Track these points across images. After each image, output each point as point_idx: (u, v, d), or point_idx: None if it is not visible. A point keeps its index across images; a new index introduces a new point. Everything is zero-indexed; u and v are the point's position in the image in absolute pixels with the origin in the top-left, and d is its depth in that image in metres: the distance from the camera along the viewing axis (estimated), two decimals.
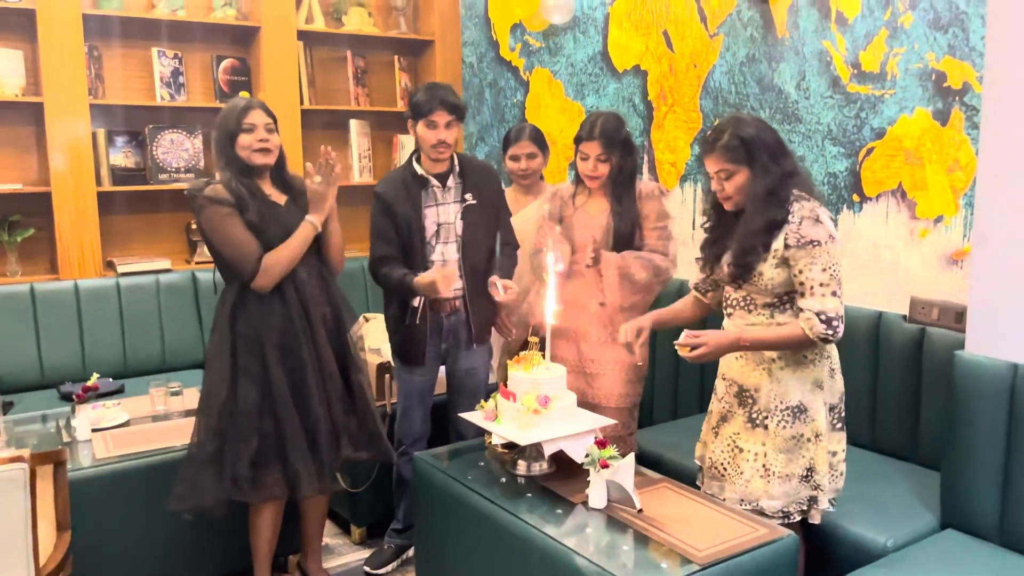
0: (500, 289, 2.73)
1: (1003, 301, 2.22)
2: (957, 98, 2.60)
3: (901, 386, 2.71)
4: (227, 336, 2.51)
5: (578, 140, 2.74)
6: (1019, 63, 2.16)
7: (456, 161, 2.86)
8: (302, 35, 4.35)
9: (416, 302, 2.81)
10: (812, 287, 2.11)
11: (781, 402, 2.20)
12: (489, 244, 2.89)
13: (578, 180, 2.83)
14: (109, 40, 4.03)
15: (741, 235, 2.18)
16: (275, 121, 2.56)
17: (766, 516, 2.19)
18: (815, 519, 2.25)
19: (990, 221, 2.24)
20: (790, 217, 2.13)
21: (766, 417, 2.21)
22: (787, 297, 2.19)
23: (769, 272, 2.15)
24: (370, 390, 2.73)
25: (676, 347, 2.21)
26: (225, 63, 4.25)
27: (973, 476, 2.25)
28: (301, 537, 2.84)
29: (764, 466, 2.21)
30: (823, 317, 2.09)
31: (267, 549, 2.65)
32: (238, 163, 2.51)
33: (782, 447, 2.20)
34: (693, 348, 2.18)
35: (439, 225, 2.83)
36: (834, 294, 2.11)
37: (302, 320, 2.52)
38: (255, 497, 2.51)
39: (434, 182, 2.82)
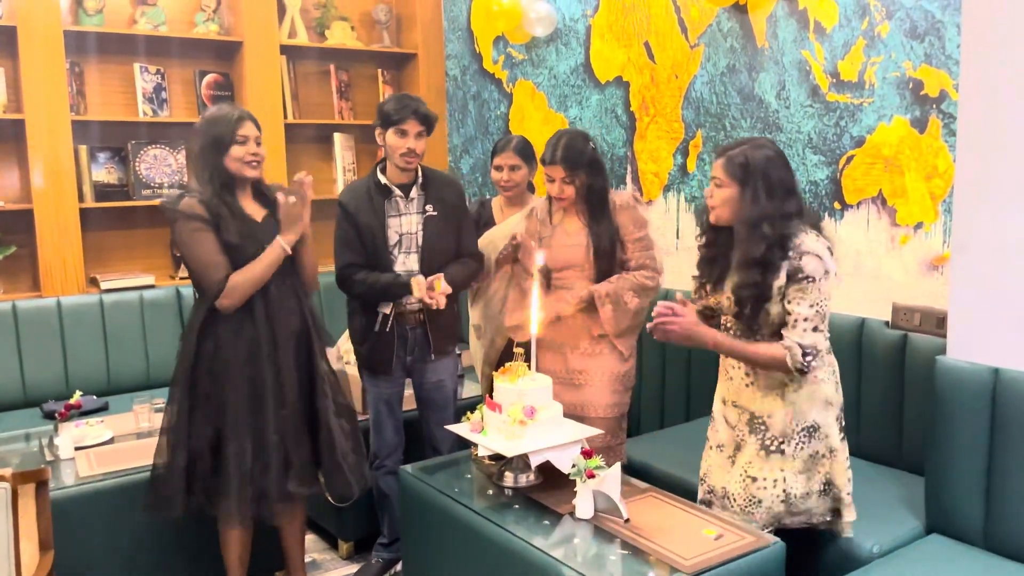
0: (432, 286, 2.74)
1: (983, 306, 2.24)
2: (934, 106, 2.63)
3: (884, 392, 2.73)
4: (191, 352, 2.47)
5: (543, 162, 2.74)
6: (994, 71, 2.19)
7: (420, 172, 2.88)
8: (285, 49, 4.35)
9: (388, 309, 2.82)
10: (796, 320, 2.11)
11: (797, 424, 2.20)
12: (449, 256, 2.89)
13: (551, 198, 2.85)
14: (91, 56, 4.02)
15: (740, 277, 2.17)
16: (260, 131, 2.54)
17: (786, 526, 2.23)
18: (847, 532, 2.26)
19: (969, 227, 2.26)
20: (791, 253, 2.11)
21: (782, 442, 2.20)
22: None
23: (776, 308, 2.15)
24: (340, 419, 2.61)
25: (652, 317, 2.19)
26: (208, 78, 4.25)
27: (957, 481, 2.27)
28: (283, 554, 2.82)
29: (784, 491, 2.20)
30: (806, 351, 2.10)
31: (238, 565, 2.62)
32: (223, 176, 2.45)
33: (801, 468, 2.20)
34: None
35: (401, 235, 2.85)
36: (815, 329, 2.11)
37: (269, 344, 2.47)
38: (176, 510, 2.46)
39: (397, 192, 2.84)
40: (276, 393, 2.47)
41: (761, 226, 2.11)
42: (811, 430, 2.20)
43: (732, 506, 2.24)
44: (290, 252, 2.47)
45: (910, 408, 2.67)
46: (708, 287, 2.32)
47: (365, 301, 2.87)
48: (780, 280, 2.12)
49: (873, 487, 2.57)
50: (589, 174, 2.71)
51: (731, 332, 2.26)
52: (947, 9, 2.57)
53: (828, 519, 2.26)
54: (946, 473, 2.29)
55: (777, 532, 2.19)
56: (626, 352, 2.80)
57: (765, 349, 2.14)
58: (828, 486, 2.23)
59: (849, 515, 2.24)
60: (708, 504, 2.32)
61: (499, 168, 3.18)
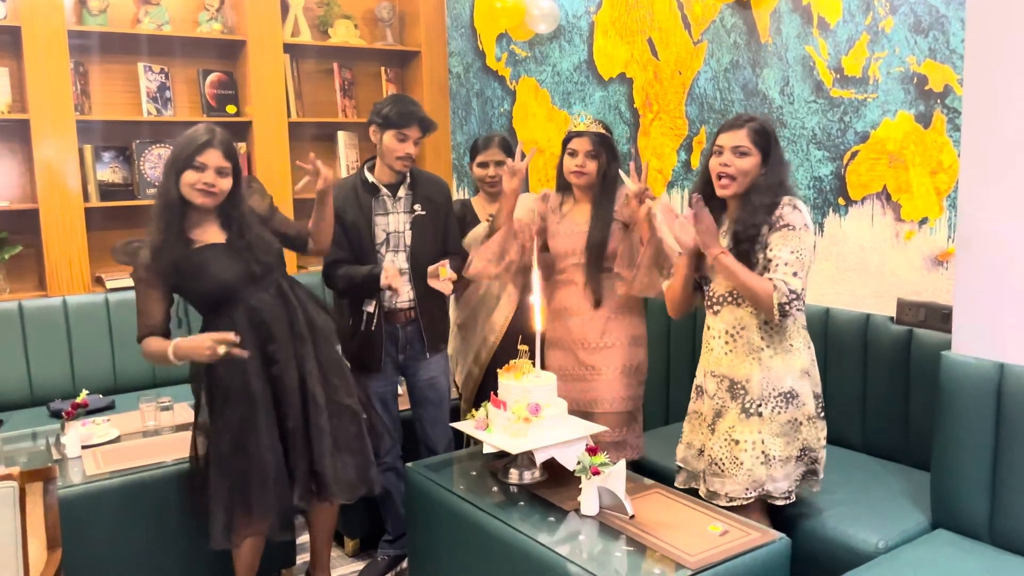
0: (439, 273, 2.74)
1: (988, 301, 2.24)
2: (939, 101, 2.63)
3: (890, 387, 2.73)
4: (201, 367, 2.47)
5: (567, 139, 2.74)
6: (998, 65, 2.18)
7: (408, 172, 2.89)
8: (288, 48, 4.35)
9: (371, 308, 2.83)
10: (778, 264, 2.22)
11: (774, 389, 2.28)
12: (436, 255, 2.90)
13: (563, 188, 2.84)
14: (95, 56, 4.03)
15: (745, 214, 2.28)
16: (234, 164, 2.40)
17: (772, 498, 2.29)
18: (816, 488, 2.40)
19: (973, 222, 2.26)
20: (782, 208, 2.27)
21: (760, 405, 2.28)
22: None
23: (761, 255, 2.28)
24: (337, 421, 2.54)
25: (692, 199, 2.25)
26: (212, 77, 4.25)
27: (962, 476, 2.26)
28: (311, 552, 2.83)
29: (764, 452, 2.28)
30: (792, 291, 2.19)
31: (246, 571, 2.61)
32: (170, 196, 2.36)
33: (779, 432, 2.28)
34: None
35: (388, 234, 2.87)
36: (795, 275, 2.21)
37: (258, 359, 2.42)
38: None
39: (384, 191, 2.86)
40: (267, 406, 2.43)
41: (784, 182, 2.30)
42: (788, 396, 2.29)
43: (721, 472, 2.32)
44: (175, 360, 2.34)
45: (915, 403, 2.67)
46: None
47: (350, 298, 2.89)
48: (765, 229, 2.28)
49: (879, 482, 2.57)
50: (609, 157, 2.73)
51: (715, 298, 2.38)
52: (951, 4, 2.56)
53: (799, 481, 2.35)
54: (951, 468, 2.29)
55: (775, 524, 2.20)
56: (638, 330, 2.80)
57: (757, 278, 2.23)
58: (804, 451, 2.33)
59: (820, 472, 2.37)
60: (697, 474, 2.42)
61: (484, 165, 3.17)
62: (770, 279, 2.21)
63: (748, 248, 2.27)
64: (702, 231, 2.24)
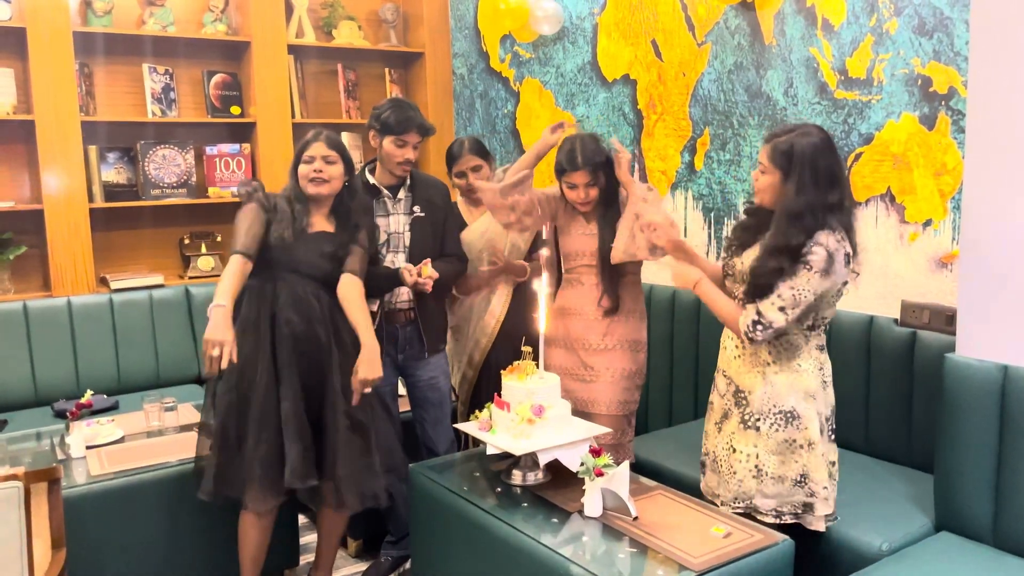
0: (417, 271, 2.73)
1: (992, 303, 2.23)
2: (943, 103, 2.62)
3: (894, 389, 2.72)
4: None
5: (561, 171, 2.71)
6: (1003, 67, 2.18)
7: (408, 174, 2.91)
8: (292, 49, 4.36)
9: (375, 307, 2.84)
10: (769, 293, 2.14)
11: (774, 406, 2.23)
12: (436, 256, 2.90)
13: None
14: (99, 57, 4.04)
15: (763, 250, 2.20)
16: (341, 153, 2.65)
17: (759, 513, 2.25)
18: (817, 526, 2.25)
19: (977, 224, 2.26)
20: (813, 244, 2.12)
21: (758, 420, 2.25)
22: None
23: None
24: (352, 434, 2.56)
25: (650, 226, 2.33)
26: (216, 78, 4.26)
27: (966, 478, 2.26)
28: (316, 550, 2.86)
29: (756, 467, 2.24)
30: (757, 319, 2.15)
31: (251, 564, 2.62)
32: (296, 189, 2.65)
33: (774, 449, 2.23)
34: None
35: (388, 235, 2.88)
36: (781, 310, 2.13)
37: (267, 339, 2.48)
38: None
39: (386, 193, 2.88)
40: (270, 384, 2.47)
41: (804, 217, 2.12)
42: (788, 416, 2.22)
43: (718, 471, 2.34)
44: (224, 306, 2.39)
45: (919, 406, 2.66)
46: (734, 248, 2.37)
47: None
48: None
49: (882, 485, 2.57)
50: (607, 172, 2.71)
51: (735, 299, 2.32)
52: (956, 5, 2.56)
53: (798, 511, 2.25)
54: (955, 470, 2.28)
55: (780, 528, 2.20)
56: (638, 335, 2.80)
57: (730, 305, 2.26)
58: (804, 479, 2.22)
59: (823, 508, 2.22)
60: (703, 465, 2.43)
61: (461, 175, 3.12)
62: (752, 303, 2.17)
63: (755, 290, 2.17)
64: (676, 267, 2.33)
